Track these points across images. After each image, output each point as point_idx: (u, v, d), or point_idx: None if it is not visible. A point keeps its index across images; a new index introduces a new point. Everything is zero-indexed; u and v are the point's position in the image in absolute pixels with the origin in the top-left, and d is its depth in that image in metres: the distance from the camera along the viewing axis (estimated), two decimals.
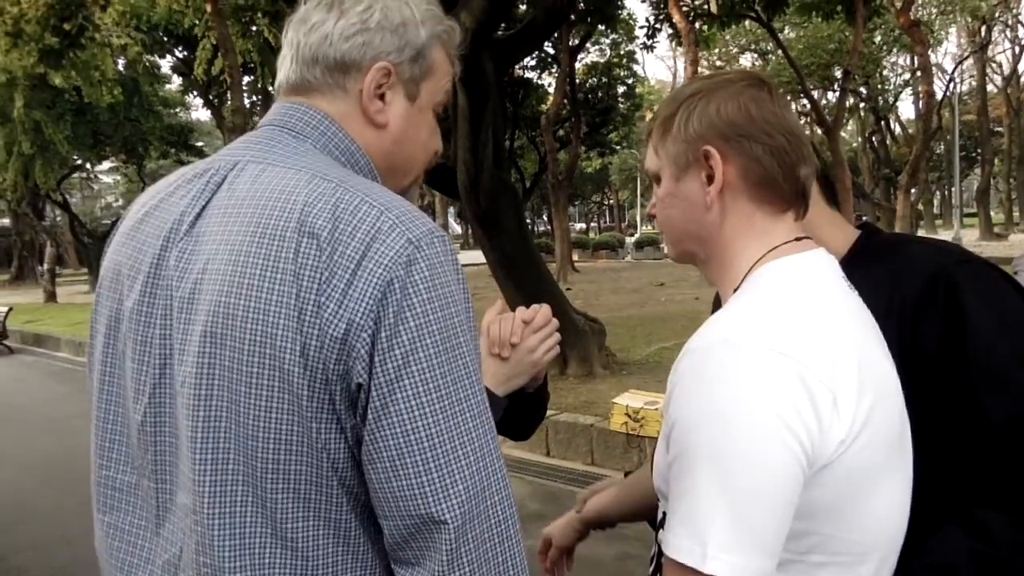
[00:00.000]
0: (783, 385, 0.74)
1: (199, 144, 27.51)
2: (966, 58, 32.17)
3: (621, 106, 24.45)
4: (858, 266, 1.21)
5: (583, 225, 56.95)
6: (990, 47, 32.87)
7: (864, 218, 1.35)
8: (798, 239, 0.89)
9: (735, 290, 0.88)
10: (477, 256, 8.38)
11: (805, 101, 16.48)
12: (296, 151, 0.83)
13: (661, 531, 0.89)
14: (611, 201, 56.75)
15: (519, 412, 1.19)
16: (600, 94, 23.53)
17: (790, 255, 0.87)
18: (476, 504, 0.72)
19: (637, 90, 25.77)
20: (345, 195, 0.75)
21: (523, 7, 13.34)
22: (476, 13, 5.46)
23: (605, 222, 60.10)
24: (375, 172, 0.89)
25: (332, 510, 0.75)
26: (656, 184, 0.95)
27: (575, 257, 23.59)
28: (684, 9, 13.98)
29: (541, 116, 19.53)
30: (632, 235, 37.05)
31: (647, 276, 19.05)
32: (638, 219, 50.27)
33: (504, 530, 0.74)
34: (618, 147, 29.60)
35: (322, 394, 0.72)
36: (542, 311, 1.20)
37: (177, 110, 28.29)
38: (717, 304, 3.29)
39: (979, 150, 32.36)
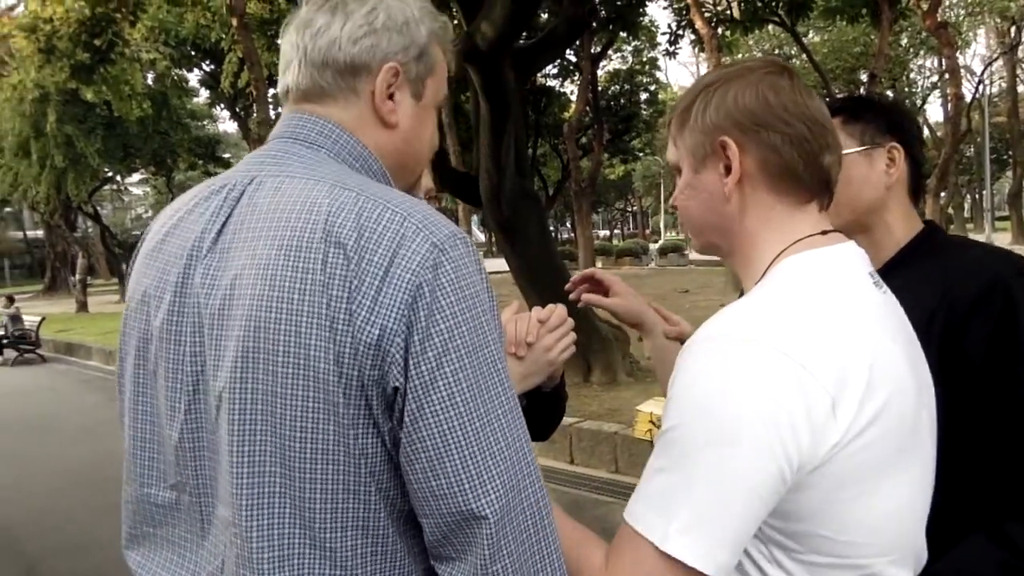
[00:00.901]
0: (777, 386, 0.74)
1: (226, 156, 27.96)
2: (995, 59, 31.64)
3: (644, 113, 24.41)
4: (913, 259, 1.22)
5: (606, 232, 56.83)
6: (1020, 48, 32.28)
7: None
8: (824, 232, 0.86)
9: (756, 284, 0.86)
10: (500, 264, 8.39)
11: None
12: (312, 162, 0.84)
13: None
14: (634, 208, 56.58)
15: (537, 412, 1.20)
16: (622, 101, 23.51)
17: (814, 249, 0.84)
18: (513, 497, 0.73)
19: (660, 96, 25.69)
20: (367, 203, 0.77)
21: (544, 16, 13.37)
22: (497, 22, 5.49)
23: (628, 229, 59.89)
24: (387, 176, 0.90)
25: (370, 518, 0.76)
26: (677, 175, 0.94)
27: (599, 264, 23.53)
28: (706, 15, 13.92)
29: (564, 124, 19.56)
30: (656, 241, 36.87)
31: (671, 283, 18.93)
32: (662, 225, 50.02)
33: (540, 520, 0.75)
34: (641, 154, 29.54)
35: (358, 400, 0.73)
36: (557, 311, 1.21)
37: (205, 122, 28.77)
38: None
39: (1010, 152, 31.79)
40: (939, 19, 13.13)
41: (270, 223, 0.78)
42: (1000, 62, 32.24)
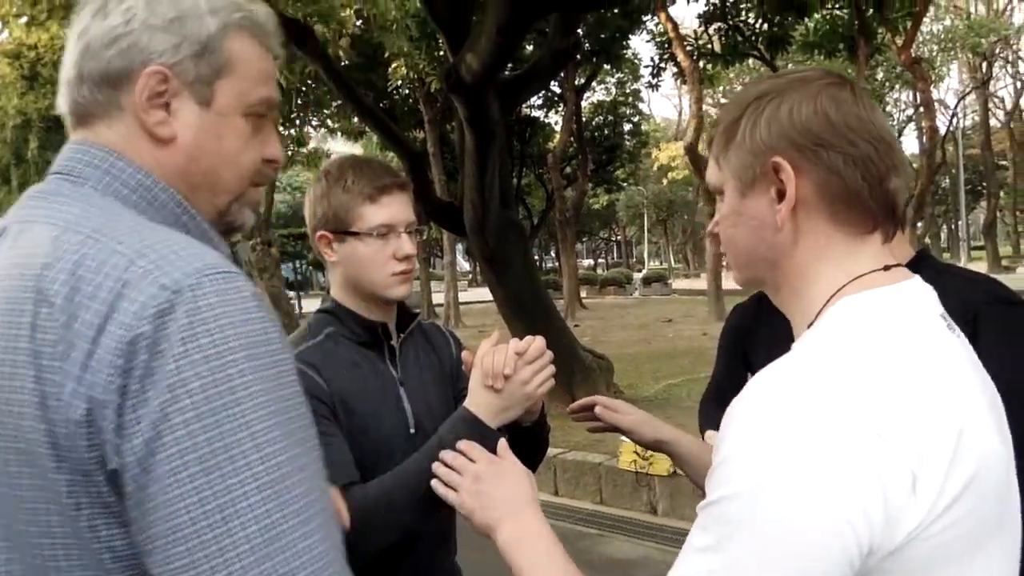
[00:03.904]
0: (847, 458, 0.63)
1: None
2: (968, 93, 32.41)
3: (627, 143, 24.69)
4: None
5: (591, 261, 57.10)
6: (992, 83, 33.09)
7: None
8: (887, 267, 0.75)
9: (810, 325, 0.75)
10: (485, 293, 8.41)
11: None
12: (68, 200, 0.71)
13: None
14: (618, 237, 56.94)
15: (517, 447, 1.19)
16: (606, 132, 23.78)
17: (878, 287, 0.73)
18: None
19: (643, 128, 26.09)
20: (92, 248, 0.64)
21: (529, 48, 13.55)
22: (482, 54, 5.55)
23: (613, 258, 60.20)
24: (180, 201, 0.76)
25: None
26: (720, 198, 0.83)
27: (583, 294, 23.60)
28: (688, 49, 14.17)
29: (548, 154, 19.74)
30: (640, 271, 37.10)
31: (654, 312, 19.00)
32: (646, 255, 50.36)
33: None
34: (625, 184, 29.81)
35: (83, 487, 0.61)
36: (536, 343, 1.20)
37: None
38: (735, 337, 3.18)
39: (984, 184, 32.44)
40: (913, 55, 13.45)
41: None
42: (973, 96, 33.02)
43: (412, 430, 1.31)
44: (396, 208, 1.31)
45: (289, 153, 22.16)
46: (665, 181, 41.63)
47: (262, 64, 0.79)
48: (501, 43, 5.37)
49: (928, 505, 0.63)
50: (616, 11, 12.37)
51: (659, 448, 1.24)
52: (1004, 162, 36.68)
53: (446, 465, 1.07)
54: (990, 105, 34.74)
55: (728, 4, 12.84)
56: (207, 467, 0.58)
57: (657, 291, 28.63)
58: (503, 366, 1.17)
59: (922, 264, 1.26)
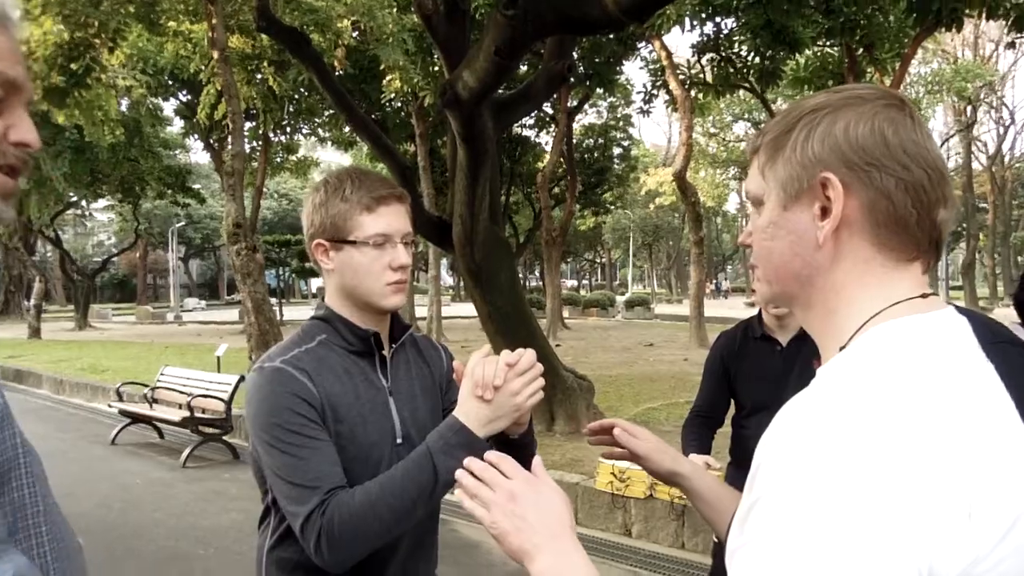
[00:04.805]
0: (904, 498, 0.59)
1: (196, 186, 27.73)
2: (952, 136, 33.03)
3: (616, 167, 24.95)
4: None
5: (575, 282, 57.31)
6: (975, 127, 33.80)
7: None
8: (924, 295, 0.73)
9: (841, 348, 0.73)
10: (467, 309, 8.39)
11: None
12: None
13: None
14: (603, 259, 57.23)
15: None
16: (596, 155, 24.01)
17: (914, 315, 0.71)
18: None
19: (632, 152, 26.34)
20: None
21: (524, 68, 13.67)
22: (479, 73, 5.60)
23: (596, 280, 60.49)
24: None
25: None
26: (756, 209, 0.80)
27: (566, 314, 23.67)
28: (680, 77, 14.36)
29: (537, 173, 19.87)
30: (623, 294, 37.26)
31: (636, 336, 19.06)
32: (629, 278, 50.61)
33: None
34: (612, 207, 30.04)
35: None
36: (526, 355, 1.22)
37: (177, 152, 28.55)
38: (720, 363, 3.15)
39: (964, 225, 33.02)
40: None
41: None
42: (956, 139, 33.69)
43: (399, 439, 1.32)
44: (393, 219, 1.33)
45: (278, 160, 22.16)
46: (652, 206, 42.00)
47: None
48: (499, 63, 5.42)
49: (987, 533, 0.61)
50: (612, 36, 12.52)
51: (673, 480, 1.16)
52: (984, 204, 37.40)
53: (474, 476, 0.94)
54: (973, 148, 35.47)
55: (721, 36, 13.05)
56: None
57: (639, 315, 28.75)
58: (493, 377, 1.18)
59: None
